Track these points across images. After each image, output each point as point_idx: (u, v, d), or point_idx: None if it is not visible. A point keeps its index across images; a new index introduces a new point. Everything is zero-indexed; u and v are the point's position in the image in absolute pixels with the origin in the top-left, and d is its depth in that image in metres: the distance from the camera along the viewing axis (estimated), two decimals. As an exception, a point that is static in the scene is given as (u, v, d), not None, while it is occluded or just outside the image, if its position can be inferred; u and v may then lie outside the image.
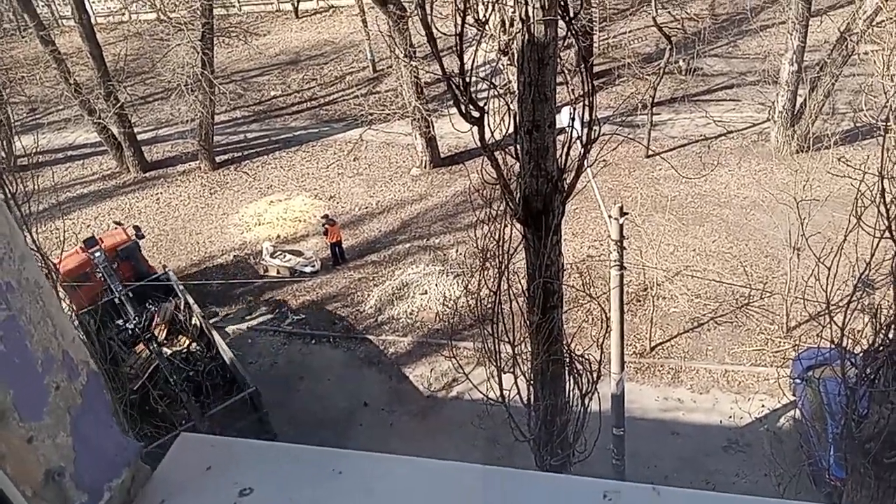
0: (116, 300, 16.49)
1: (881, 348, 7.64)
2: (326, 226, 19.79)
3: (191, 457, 1.73)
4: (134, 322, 15.95)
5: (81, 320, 14.61)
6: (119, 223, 19.99)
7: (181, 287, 17.14)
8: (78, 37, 23.85)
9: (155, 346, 14.93)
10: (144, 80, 29.37)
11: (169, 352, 15.21)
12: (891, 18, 13.84)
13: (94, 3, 32.81)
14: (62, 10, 33.26)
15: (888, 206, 7.34)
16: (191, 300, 16.64)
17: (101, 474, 1.63)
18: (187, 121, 24.36)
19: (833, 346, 8.28)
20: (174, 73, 24.09)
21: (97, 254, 16.80)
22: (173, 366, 14.65)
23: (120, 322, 16.38)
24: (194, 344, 15.66)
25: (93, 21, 24.78)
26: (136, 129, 24.92)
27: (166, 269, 18.09)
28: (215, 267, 20.71)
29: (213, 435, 12.31)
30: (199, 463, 1.72)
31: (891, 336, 7.53)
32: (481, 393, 9.29)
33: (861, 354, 8.01)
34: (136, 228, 18.84)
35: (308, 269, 19.84)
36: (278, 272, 20.09)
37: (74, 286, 15.75)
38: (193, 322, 16.13)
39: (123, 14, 33.97)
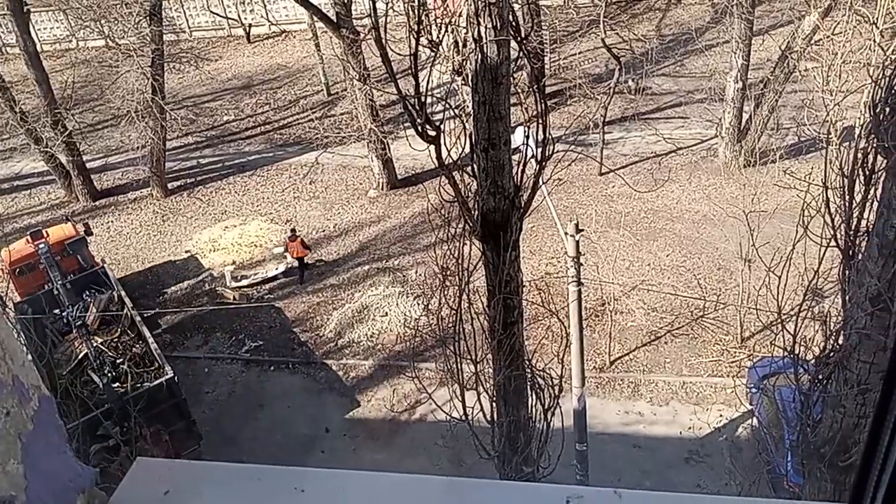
0: (55, 291, 17.23)
1: (832, 354, 7.84)
2: (287, 241, 19.89)
3: (148, 481, 1.69)
4: (69, 312, 16.59)
5: (20, 309, 16.33)
6: (68, 218, 20.72)
7: (116, 281, 17.97)
8: (23, 64, 23.34)
9: (85, 333, 15.55)
10: (93, 108, 28.86)
11: (100, 341, 15.82)
12: (828, 36, 14.41)
13: (39, 29, 32.21)
14: (6, 38, 32.57)
15: (833, 216, 7.58)
16: (124, 294, 17.36)
17: (54, 502, 1.58)
18: (138, 147, 23.98)
19: (786, 354, 8.49)
20: (124, 100, 23.74)
21: (41, 245, 17.73)
22: (101, 353, 15.32)
23: (57, 311, 17.02)
24: (124, 335, 16.34)
25: (38, 48, 24.29)
26: (85, 157, 24.41)
27: (104, 264, 18.84)
28: (170, 295, 20.31)
29: (137, 424, 13.09)
30: (157, 487, 1.68)
31: (840, 342, 7.74)
32: (444, 413, 9.26)
33: (813, 361, 8.22)
34: (86, 226, 19.63)
35: (281, 269, 20.02)
36: (234, 299, 19.80)
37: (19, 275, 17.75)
38: (125, 314, 16.77)
39: (70, 41, 33.38)
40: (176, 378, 14.92)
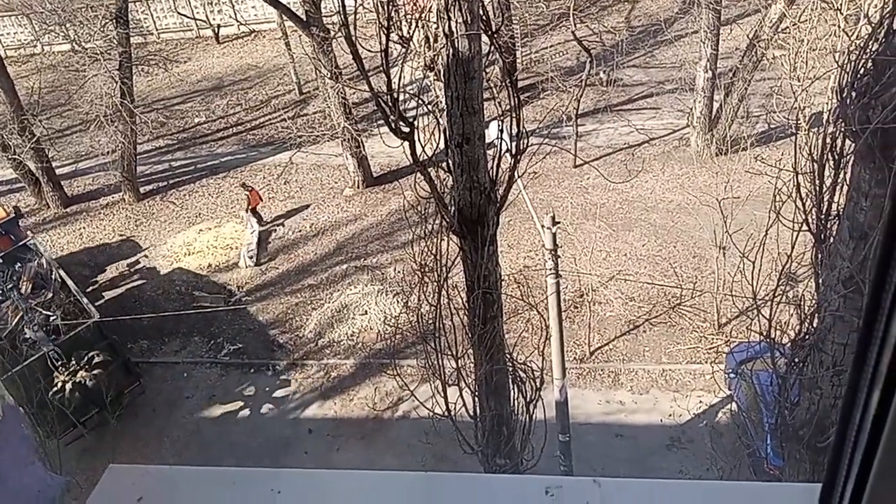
0: None
1: (807, 337, 7.94)
2: (248, 196, 21.24)
3: (121, 488, 1.65)
4: (2, 282, 18.06)
5: None
6: None
7: (43, 248, 19.36)
8: (-13, 71, 22.87)
9: (18, 297, 17.19)
10: (61, 113, 28.40)
11: (34, 302, 17.18)
12: (794, 24, 14.57)
13: (2, 35, 31.63)
14: (-32, 44, 31.90)
15: (804, 201, 7.67)
16: (51, 258, 18.91)
17: (23, 514, 1.54)
18: (108, 152, 23.63)
19: (763, 339, 8.59)
20: (92, 105, 23.36)
21: None
22: (35, 312, 16.73)
23: None
24: (55, 296, 17.61)
25: (2, 53, 23.84)
26: (54, 164, 24.02)
27: (33, 236, 20.08)
28: (145, 300, 20.07)
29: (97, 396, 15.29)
30: (130, 494, 1.64)
31: (815, 324, 7.84)
32: (427, 409, 9.25)
33: (789, 344, 8.32)
34: (16, 209, 20.94)
35: (256, 229, 21.17)
36: (211, 302, 19.62)
37: None
38: (54, 277, 18.09)
39: (35, 46, 32.77)
40: (101, 319, 16.44)
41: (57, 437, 15.03)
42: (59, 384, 15.27)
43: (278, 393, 17.23)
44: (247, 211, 21.45)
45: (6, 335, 16.46)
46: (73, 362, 15.59)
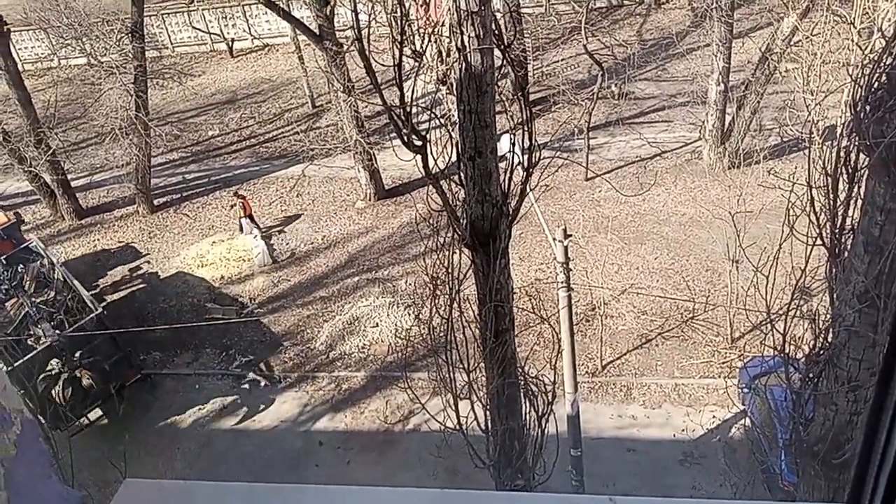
0: None
1: (822, 352, 7.86)
2: (242, 204, 21.76)
3: (136, 503, 1.65)
4: (7, 282, 18.75)
5: None
6: (0, 208, 22.75)
7: (46, 250, 19.86)
8: (4, 84, 23.19)
9: (23, 295, 17.90)
10: (77, 126, 28.70)
11: (37, 300, 17.80)
12: (807, 37, 14.54)
13: (20, 49, 32.05)
14: (-13, 58, 32.26)
15: (818, 215, 7.61)
16: (53, 259, 19.35)
17: (40, 528, 1.54)
18: (123, 165, 23.85)
19: (776, 354, 8.51)
20: (107, 118, 23.61)
21: None
22: (39, 310, 17.39)
23: None
24: (58, 294, 18.16)
25: (20, 67, 24.15)
26: (69, 176, 24.24)
27: (36, 241, 20.42)
28: (157, 312, 20.17)
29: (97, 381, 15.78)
30: (146, 509, 1.64)
31: (830, 339, 7.77)
32: (438, 422, 9.21)
33: (803, 359, 8.24)
34: (17, 214, 21.26)
35: (258, 234, 21.58)
36: (223, 314, 19.68)
37: None
38: (56, 276, 18.64)
39: (52, 59, 33.20)
40: (104, 312, 17.03)
41: (61, 428, 15.41)
42: (55, 371, 15.72)
43: (290, 405, 17.22)
44: (244, 218, 21.93)
45: (12, 330, 17.08)
46: (76, 357, 16.02)
